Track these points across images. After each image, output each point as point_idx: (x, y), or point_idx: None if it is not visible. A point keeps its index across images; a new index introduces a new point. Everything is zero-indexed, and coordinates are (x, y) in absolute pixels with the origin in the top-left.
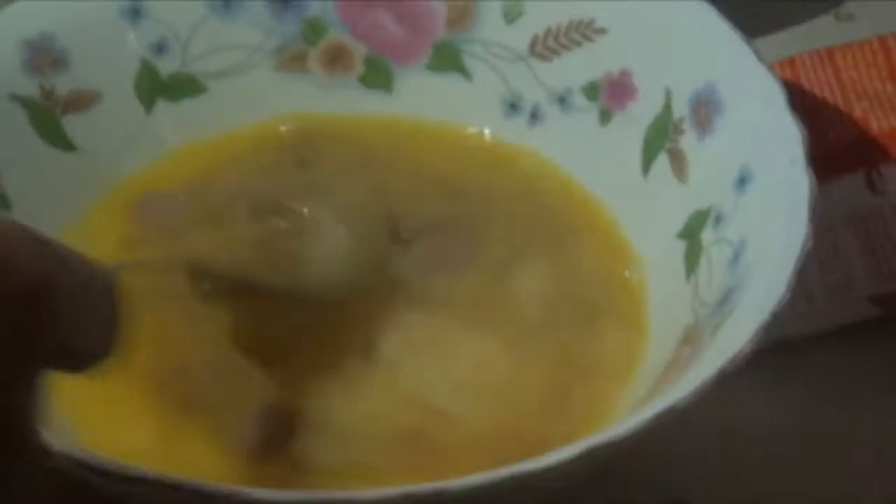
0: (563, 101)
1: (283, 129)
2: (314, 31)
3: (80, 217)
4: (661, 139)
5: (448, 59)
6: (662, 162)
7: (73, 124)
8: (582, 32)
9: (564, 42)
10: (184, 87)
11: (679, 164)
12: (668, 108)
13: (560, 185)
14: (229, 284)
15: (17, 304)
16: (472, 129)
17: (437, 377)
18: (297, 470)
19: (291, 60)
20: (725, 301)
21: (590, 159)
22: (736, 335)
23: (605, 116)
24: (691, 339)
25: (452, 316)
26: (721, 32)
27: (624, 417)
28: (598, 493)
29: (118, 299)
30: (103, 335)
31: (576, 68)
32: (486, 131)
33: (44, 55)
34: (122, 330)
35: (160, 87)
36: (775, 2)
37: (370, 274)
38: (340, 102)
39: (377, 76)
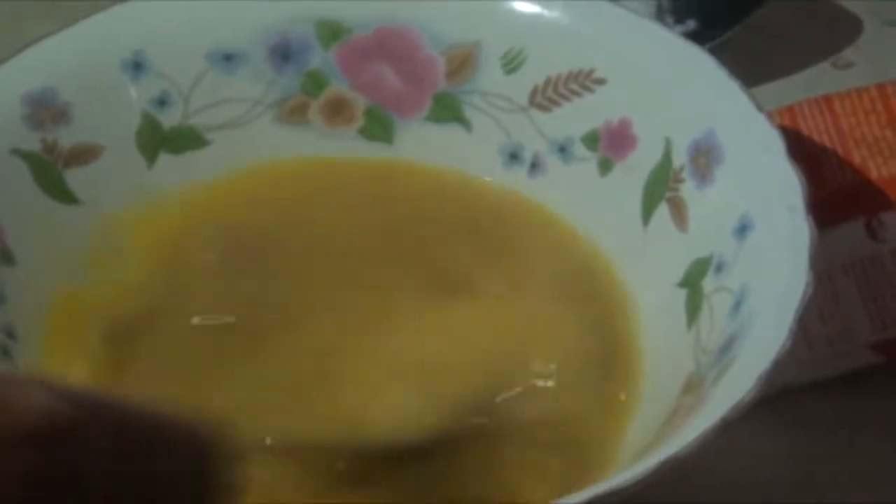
0: (563, 150)
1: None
2: (315, 83)
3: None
4: (661, 188)
5: (448, 111)
6: (663, 211)
7: (76, 177)
8: (581, 83)
9: (564, 92)
10: (185, 139)
11: (679, 212)
12: (667, 156)
13: (561, 234)
14: None
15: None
16: (473, 178)
17: None
18: None
19: (292, 113)
20: (727, 349)
21: (590, 209)
22: (738, 384)
23: (605, 166)
24: (693, 388)
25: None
26: (720, 81)
27: (625, 467)
28: None
29: (218, 464)
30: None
31: (575, 118)
32: (487, 181)
33: (45, 109)
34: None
35: (162, 139)
36: (773, 50)
37: None
38: (341, 154)
39: (378, 128)
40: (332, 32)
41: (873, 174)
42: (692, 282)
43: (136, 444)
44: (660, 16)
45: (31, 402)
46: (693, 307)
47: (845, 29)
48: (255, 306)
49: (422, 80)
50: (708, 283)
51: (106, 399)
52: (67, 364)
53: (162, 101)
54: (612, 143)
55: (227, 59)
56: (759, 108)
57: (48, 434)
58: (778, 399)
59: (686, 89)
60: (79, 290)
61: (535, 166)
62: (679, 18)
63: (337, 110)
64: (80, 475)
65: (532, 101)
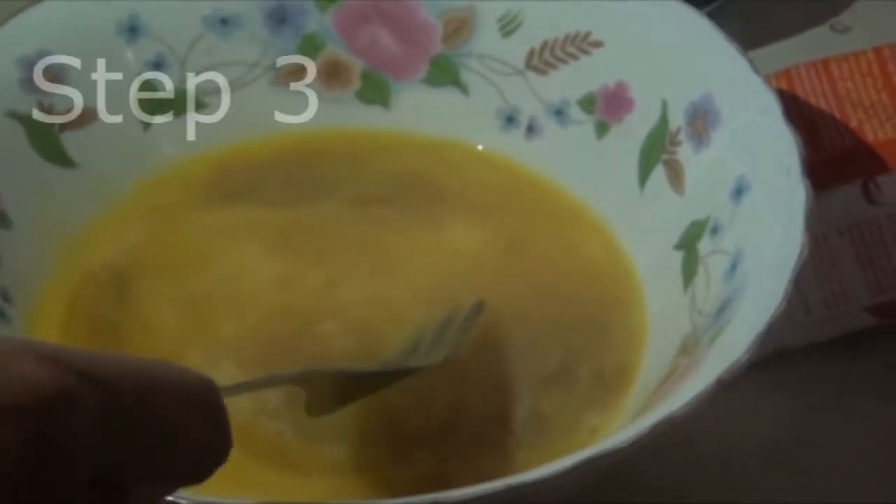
0: (559, 114)
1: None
2: (311, 46)
3: (80, 233)
4: (657, 151)
5: (445, 74)
6: (659, 174)
7: (72, 141)
8: (578, 45)
9: (561, 55)
10: (182, 103)
11: (676, 175)
12: (664, 119)
13: (557, 197)
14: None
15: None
16: (468, 142)
17: None
18: None
19: (289, 76)
20: (723, 311)
21: (587, 172)
22: (733, 345)
23: (601, 129)
24: (689, 350)
25: None
26: (717, 44)
27: (622, 427)
28: (596, 502)
29: (219, 412)
30: (193, 457)
31: (572, 81)
32: (484, 145)
33: (41, 72)
34: (223, 448)
35: (158, 103)
36: (771, 13)
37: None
38: (337, 117)
39: (374, 91)
40: None
41: (870, 137)
42: (688, 244)
43: (130, 403)
44: None
45: (12, 373)
46: (689, 269)
47: None
48: (250, 267)
49: (418, 43)
50: (704, 246)
51: (96, 360)
52: (64, 326)
53: (158, 65)
54: (608, 106)
55: (224, 22)
56: (756, 70)
57: (32, 406)
58: (774, 361)
59: (683, 52)
60: (75, 253)
61: (531, 129)
62: None
63: (334, 73)
64: (71, 447)
65: (529, 64)
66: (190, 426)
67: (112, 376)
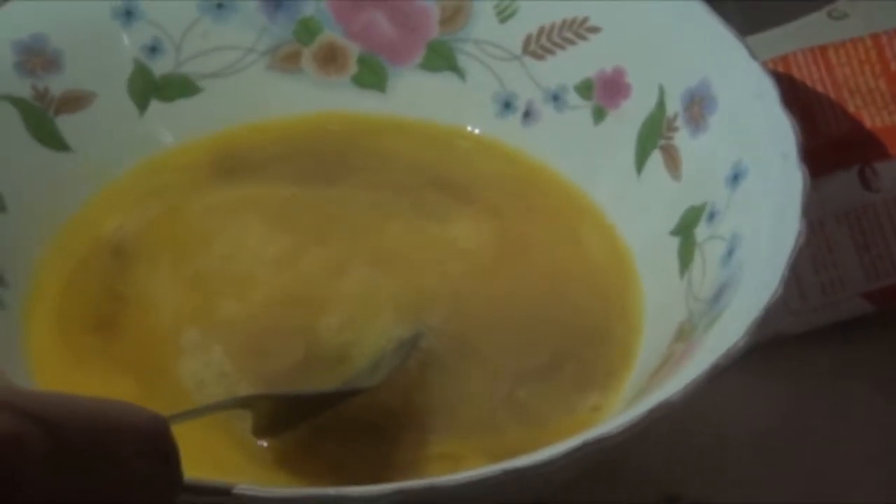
0: (556, 99)
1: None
2: (307, 31)
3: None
4: (654, 137)
5: (442, 59)
6: (656, 159)
7: (67, 124)
8: (575, 31)
9: (558, 41)
10: (177, 87)
11: (673, 161)
12: (661, 105)
13: (554, 183)
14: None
15: None
16: (465, 128)
17: None
18: None
19: (285, 60)
20: (719, 297)
21: (584, 157)
22: (729, 331)
23: (598, 114)
24: (685, 335)
25: None
26: (714, 30)
27: (618, 412)
28: (592, 489)
29: (168, 451)
30: (140, 496)
31: (569, 67)
32: (480, 130)
33: (36, 56)
34: (172, 485)
35: (153, 87)
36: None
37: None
38: (334, 102)
39: (371, 76)
40: None
41: (867, 124)
42: (685, 230)
43: (80, 445)
44: None
45: None
46: (686, 255)
47: None
48: (251, 248)
49: (415, 28)
50: (701, 232)
51: (48, 402)
52: (59, 308)
53: (154, 49)
54: (605, 92)
55: (220, 6)
56: (754, 56)
57: None
58: (771, 349)
59: (680, 38)
60: (72, 235)
61: (528, 115)
62: None
63: (330, 58)
64: (21, 490)
65: (526, 49)
66: (141, 465)
67: (63, 419)
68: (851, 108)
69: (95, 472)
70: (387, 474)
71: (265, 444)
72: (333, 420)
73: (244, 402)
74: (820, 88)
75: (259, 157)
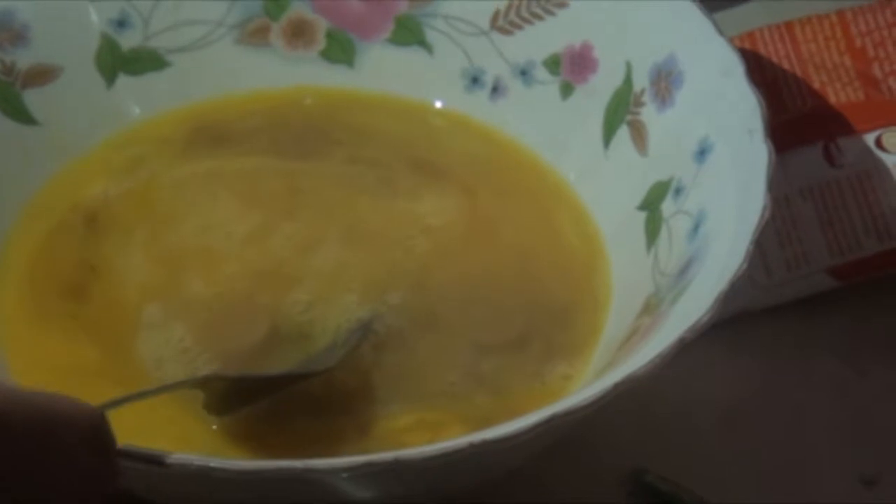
0: (524, 74)
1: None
2: (276, 5)
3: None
4: (621, 112)
5: (410, 34)
6: (623, 134)
7: (34, 98)
8: (543, 6)
9: (526, 16)
10: (145, 61)
11: (639, 136)
12: (628, 80)
13: (523, 159)
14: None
15: None
16: (433, 103)
17: None
18: None
19: (253, 35)
20: (685, 271)
21: (551, 132)
22: (695, 305)
23: (566, 90)
24: (651, 309)
25: None
26: (681, 6)
27: (585, 386)
28: (560, 463)
29: (105, 444)
30: (78, 487)
31: (537, 42)
32: (449, 105)
33: (3, 31)
34: (109, 477)
35: (121, 61)
36: None
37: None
38: (302, 77)
39: (339, 51)
40: None
41: (832, 100)
42: (651, 205)
43: (18, 434)
44: None
45: None
46: (652, 230)
47: None
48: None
49: (383, 3)
50: (667, 206)
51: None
52: (28, 285)
53: (121, 23)
54: (573, 67)
55: None
56: (720, 32)
57: None
58: (736, 323)
59: (647, 14)
60: (40, 208)
61: (496, 90)
62: None
63: (298, 32)
64: None
65: (494, 24)
66: (78, 456)
67: (5, 410)
68: (817, 84)
69: (35, 461)
70: (363, 446)
71: (214, 426)
72: (302, 395)
73: (197, 383)
74: (786, 65)
75: (231, 131)
